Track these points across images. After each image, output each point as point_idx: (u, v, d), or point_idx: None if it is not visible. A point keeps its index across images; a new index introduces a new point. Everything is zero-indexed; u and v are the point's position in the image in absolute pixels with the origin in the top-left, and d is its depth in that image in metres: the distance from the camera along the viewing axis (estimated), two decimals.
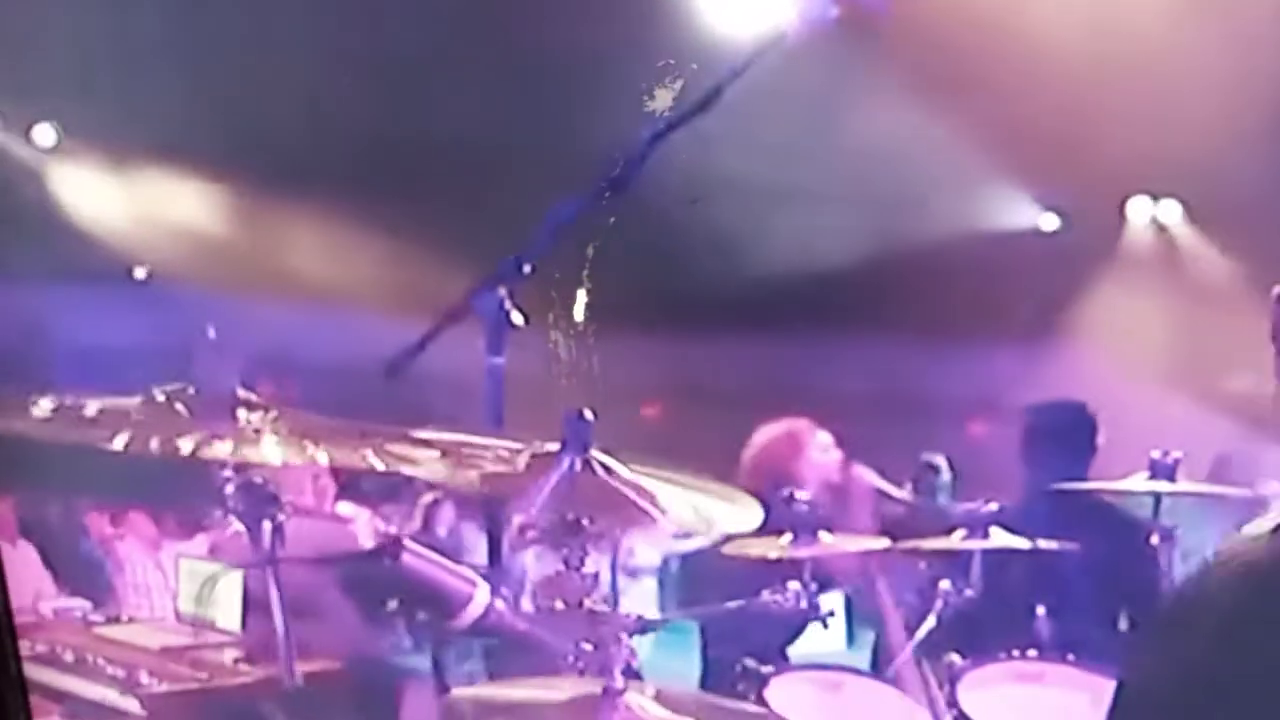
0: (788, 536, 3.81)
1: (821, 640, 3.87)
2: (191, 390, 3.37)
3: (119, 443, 3.17)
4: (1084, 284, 5.37)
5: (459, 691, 3.50)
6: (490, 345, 3.68)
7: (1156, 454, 3.95)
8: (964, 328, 5.17)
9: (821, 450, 4.50)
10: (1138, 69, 4.48)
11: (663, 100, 3.55)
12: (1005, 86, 4.51)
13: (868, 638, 4.19)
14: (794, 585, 3.71)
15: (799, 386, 5.02)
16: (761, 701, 3.67)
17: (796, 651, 3.99)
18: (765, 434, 4.53)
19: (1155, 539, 3.88)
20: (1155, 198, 5.40)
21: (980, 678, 3.74)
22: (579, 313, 3.79)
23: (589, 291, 3.68)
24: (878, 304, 5.10)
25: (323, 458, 3.33)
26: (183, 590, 4.18)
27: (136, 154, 5.08)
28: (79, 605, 4.69)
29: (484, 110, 4.59)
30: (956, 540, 3.90)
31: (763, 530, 3.80)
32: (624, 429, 4.29)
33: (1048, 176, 5.36)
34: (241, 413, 3.27)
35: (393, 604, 3.51)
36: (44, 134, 4.98)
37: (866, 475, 4.50)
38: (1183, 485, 3.95)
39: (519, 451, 3.61)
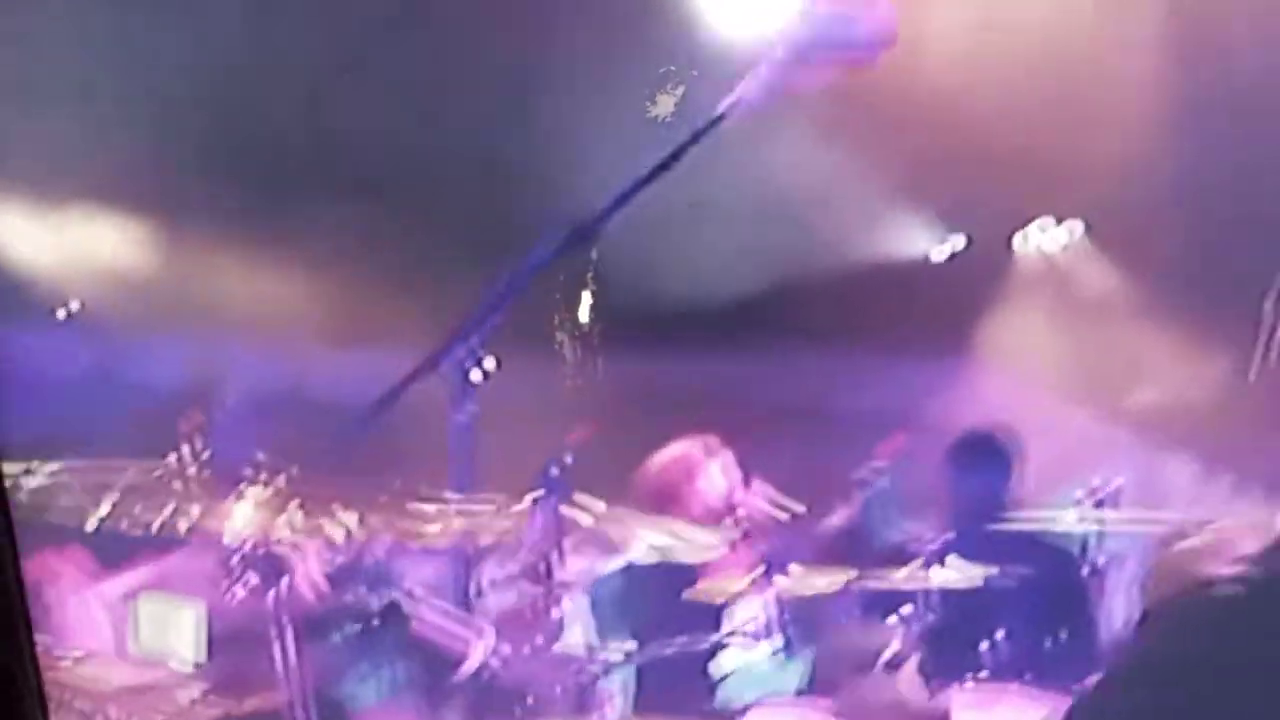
0: (759, 570, 3.95)
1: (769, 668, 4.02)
2: (205, 456, 3.41)
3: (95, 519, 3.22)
4: (988, 305, 5.62)
5: None
6: (454, 402, 3.75)
7: (1080, 492, 4.23)
8: (873, 348, 5.36)
9: (721, 469, 4.48)
10: (1033, 100, 4.70)
11: (664, 106, 3.64)
12: (904, 117, 4.68)
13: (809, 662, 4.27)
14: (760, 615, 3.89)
15: (710, 405, 5.14)
16: None
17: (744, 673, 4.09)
18: (664, 455, 4.52)
19: (1088, 567, 4.18)
20: (1057, 220, 5.69)
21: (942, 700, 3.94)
22: (584, 314, 3.88)
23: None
24: (788, 326, 5.26)
25: (338, 532, 3.39)
26: (142, 627, 4.16)
27: (62, 195, 4.98)
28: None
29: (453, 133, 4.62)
30: (916, 571, 4.07)
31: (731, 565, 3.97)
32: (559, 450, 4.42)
33: (949, 203, 5.59)
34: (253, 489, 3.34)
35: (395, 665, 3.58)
36: None
37: (763, 492, 4.56)
38: (1111, 516, 4.22)
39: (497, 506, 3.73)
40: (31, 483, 3.61)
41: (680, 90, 3.69)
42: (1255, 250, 4.57)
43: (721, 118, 3.69)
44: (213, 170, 4.74)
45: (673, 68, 3.97)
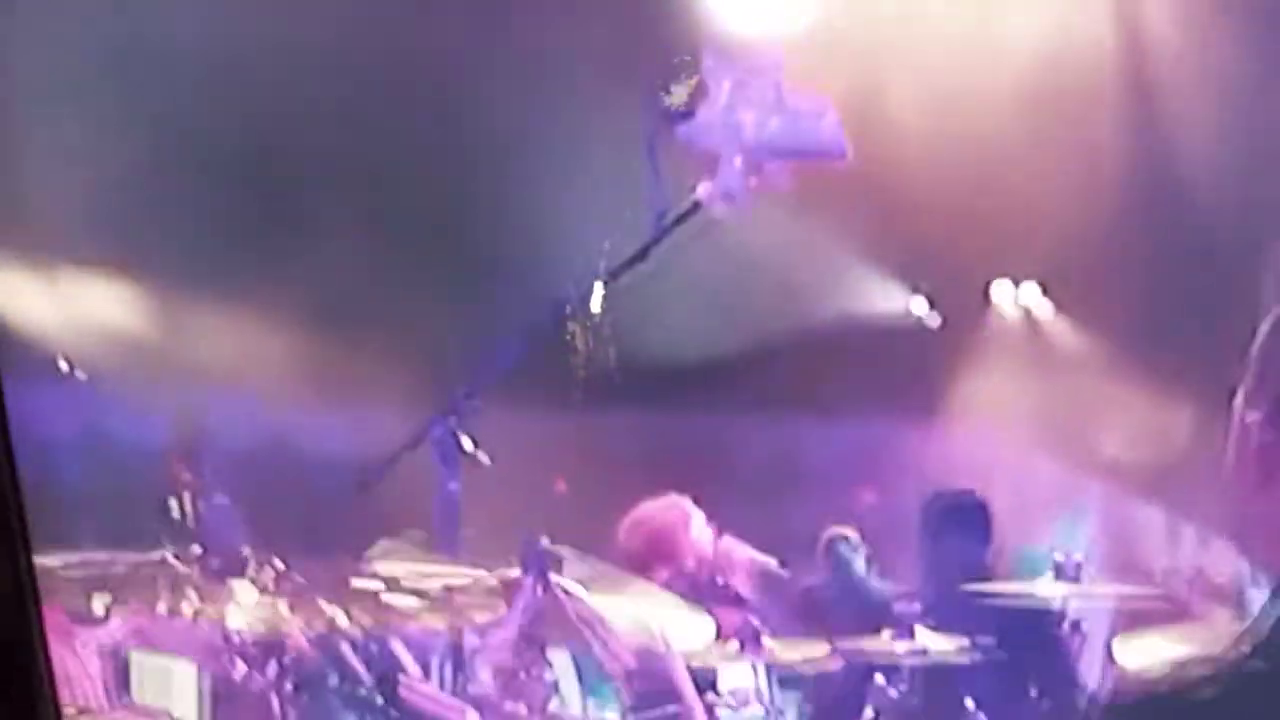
0: (735, 645, 4.02)
1: None
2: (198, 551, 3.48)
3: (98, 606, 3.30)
4: (955, 366, 5.71)
5: None
6: (444, 472, 3.83)
7: (1060, 556, 4.29)
8: (848, 407, 5.43)
9: (698, 528, 4.49)
10: (997, 165, 4.79)
11: (679, 96, 3.71)
12: (876, 185, 4.75)
13: None
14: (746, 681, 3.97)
15: (687, 464, 5.20)
16: None
17: None
18: (643, 512, 4.49)
19: (1065, 631, 4.25)
20: (1016, 281, 5.80)
21: None
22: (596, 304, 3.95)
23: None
24: (758, 387, 5.33)
25: (342, 618, 3.47)
26: (135, 680, 4.23)
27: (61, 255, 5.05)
28: None
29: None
30: (888, 641, 4.14)
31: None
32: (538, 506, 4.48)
33: (916, 266, 5.68)
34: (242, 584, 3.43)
35: None
36: None
37: (739, 550, 4.61)
38: (1088, 588, 4.29)
39: (482, 578, 3.80)
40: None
41: (694, 80, 3.77)
42: (1215, 309, 4.65)
43: (686, 216, 3.81)
44: (202, 228, 4.82)
45: (688, 58, 4.04)
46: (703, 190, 3.64)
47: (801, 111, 3.56)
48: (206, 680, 3.95)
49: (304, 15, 4.58)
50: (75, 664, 5.29)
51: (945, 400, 5.64)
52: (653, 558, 4.24)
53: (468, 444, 3.92)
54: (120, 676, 4.22)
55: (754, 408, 5.34)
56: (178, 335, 4.97)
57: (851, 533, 5.07)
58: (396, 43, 4.67)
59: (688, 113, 3.59)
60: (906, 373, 5.57)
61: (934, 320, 5.63)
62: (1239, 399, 1.70)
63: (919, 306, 5.56)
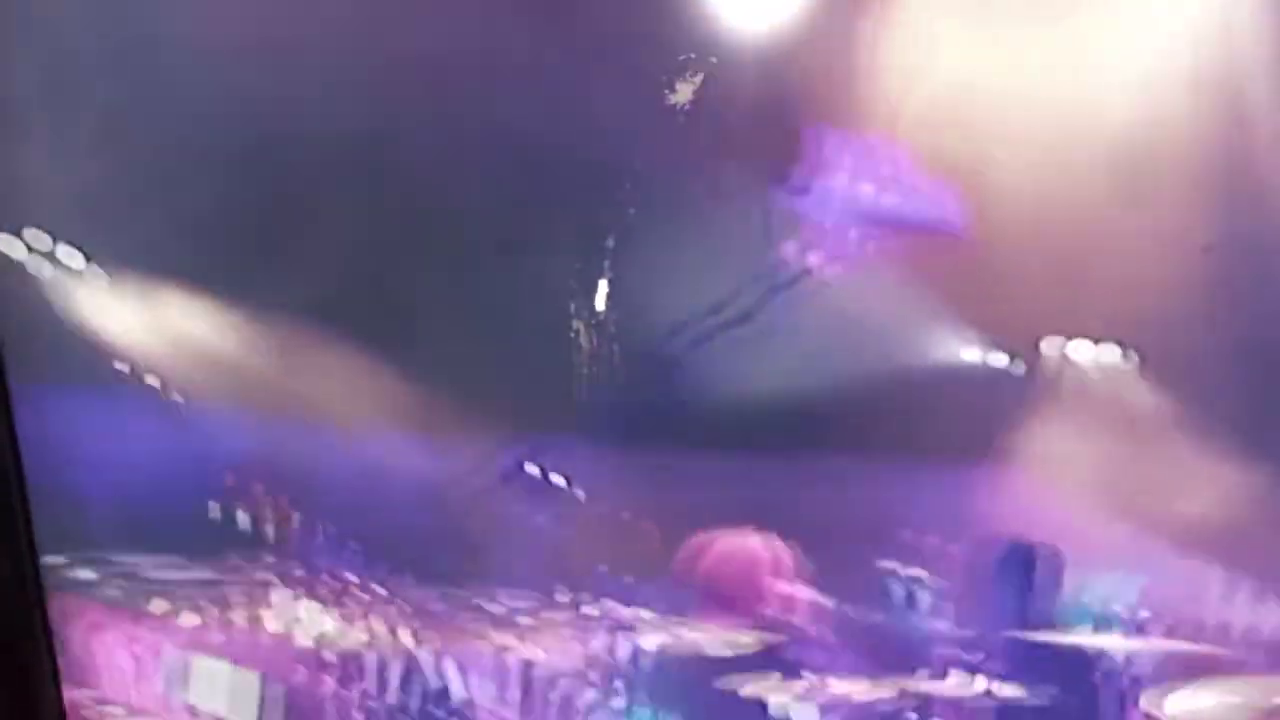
0: (803, 684, 4.13)
1: None
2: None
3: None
4: (1034, 418, 5.80)
5: None
6: (531, 505, 3.88)
7: (1124, 609, 4.41)
8: (925, 454, 5.51)
9: (775, 566, 4.57)
10: (1078, 229, 4.89)
11: (683, 94, 3.72)
12: (958, 244, 4.82)
13: None
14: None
15: (763, 504, 5.28)
16: None
17: None
18: (725, 545, 4.55)
19: (1123, 682, 4.39)
20: (1096, 341, 5.88)
21: None
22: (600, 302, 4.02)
23: None
24: (844, 431, 5.40)
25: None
26: (197, 686, 4.29)
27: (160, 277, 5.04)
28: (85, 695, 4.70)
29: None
30: (955, 682, 4.26)
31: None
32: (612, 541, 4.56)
33: (992, 319, 5.75)
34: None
35: None
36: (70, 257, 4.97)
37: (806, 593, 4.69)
38: (1153, 643, 4.42)
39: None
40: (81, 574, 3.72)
41: (699, 78, 3.78)
42: None
43: (794, 282, 3.84)
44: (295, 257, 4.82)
45: (693, 55, 4.06)
46: (814, 258, 3.69)
47: (921, 186, 3.60)
48: (272, 688, 4.03)
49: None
50: (133, 664, 5.34)
51: (1017, 453, 5.74)
52: (736, 592, 4.32)
53: (558, 479, 3.98)
54: (180, 679, 4.31)
55: (828, 452, 5.41)
56: (262, 358, 4.99)
57: (912, 570, 5.19)
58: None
59: (805, 187, 3.62)
60: (983, 422, 5.66)
61: (1017, 370, 5.73)
62: None
63: (1002, 360, 5.65)
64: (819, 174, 3.84)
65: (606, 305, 4.42)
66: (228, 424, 4.94)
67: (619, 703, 4.02)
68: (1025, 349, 5.90)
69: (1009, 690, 4.28)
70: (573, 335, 4.37)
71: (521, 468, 3.97)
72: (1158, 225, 5.04)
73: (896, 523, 5.73)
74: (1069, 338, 5.82)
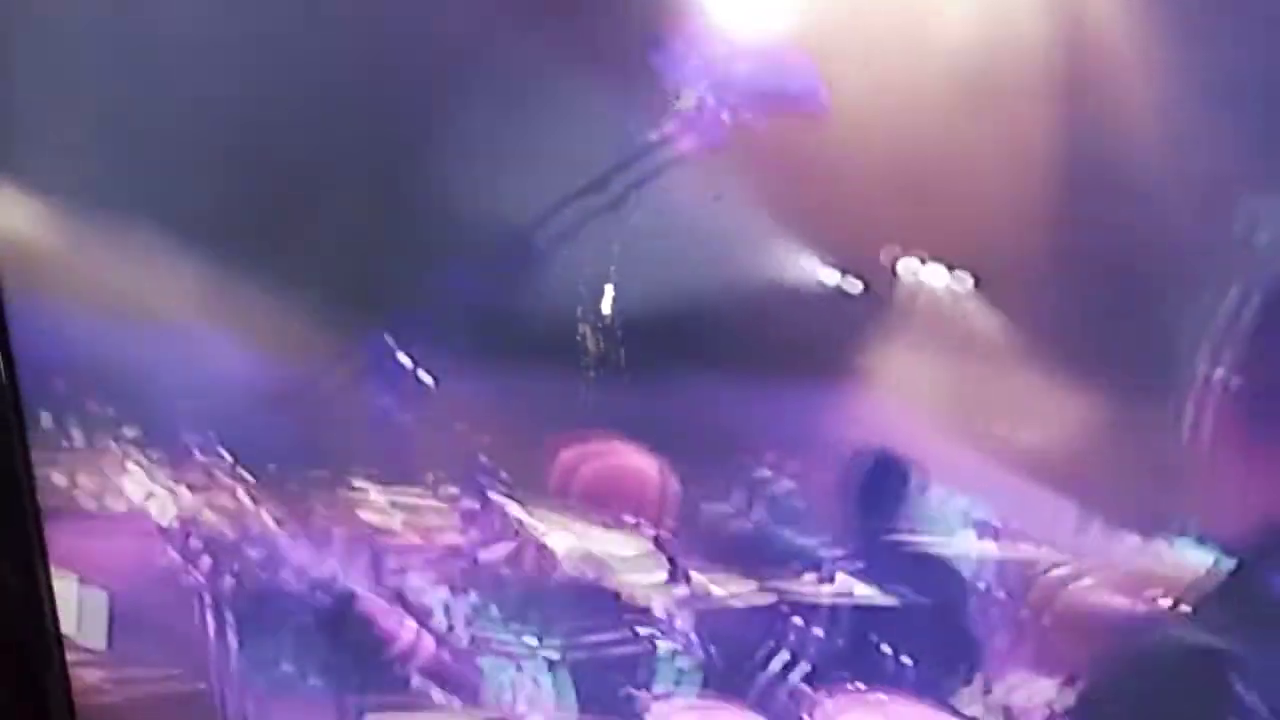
0: (663, 575, 4.10)
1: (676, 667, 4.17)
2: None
3: None
4: (877, 336, 5.86)
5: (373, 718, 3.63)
6: (380, 390, 3.81)
7: (981, 514, 4.48)
8: (775, 369, 5.53)
9: (647, 478, 4.56)
10: (924, 149, 4.97)
11: (687, 100, 3.75)
12: (806, 163, 4.88)
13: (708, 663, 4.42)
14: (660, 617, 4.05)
15: (625, 417, 5.26)
16: None
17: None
18: (592, 452, 4.53)
19: (980, 586, 4.43)
20: (938, 261, 5.98)
21: (831, 708, 4.13)
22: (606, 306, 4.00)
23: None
24: (700, 344, 5.39)
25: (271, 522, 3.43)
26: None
27: None
28: None
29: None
30: (811, 584, 4.26)
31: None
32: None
33: (849, 237, 5.81)
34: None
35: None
36: None
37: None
38: (1008, 547, 4.48)
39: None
40: None
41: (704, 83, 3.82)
42: (1132, 305, 4.91)
43: (653, 149, 3.83)
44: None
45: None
46: (674, 125, 3.68)
47: (785, 61, 3.64)
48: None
49: None
50: None
51: (869, 369, 5.79)
52: (603, 496, 4.29)
53: (405, 360, 3.89)
54: None
55: (682, 364, 5.40)
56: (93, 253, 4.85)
57: (775, 483, 5.19)
58: None
59: (663, 41, 3.60)
60: (823, 339, 5.70)
61: (853, 288, 5.79)
62: (1207, 359, 1.82)
63: (836, 277, 5.70)
64: (692, 45, 3.86)
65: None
66: (60, 326, 4.77)
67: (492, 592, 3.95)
68: (873, 267, 6.00)
69: (866, 589, 4.28)
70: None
71: (392, 360, 3.87)
72: (998, 141, 5.13)
73: (758, 437, 5.75)
74: (916, 257, 5.95)
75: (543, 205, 4.14)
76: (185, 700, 3.89)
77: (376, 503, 3.79)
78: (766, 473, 4.92)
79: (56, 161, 4.84)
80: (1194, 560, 5.79)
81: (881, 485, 4.85)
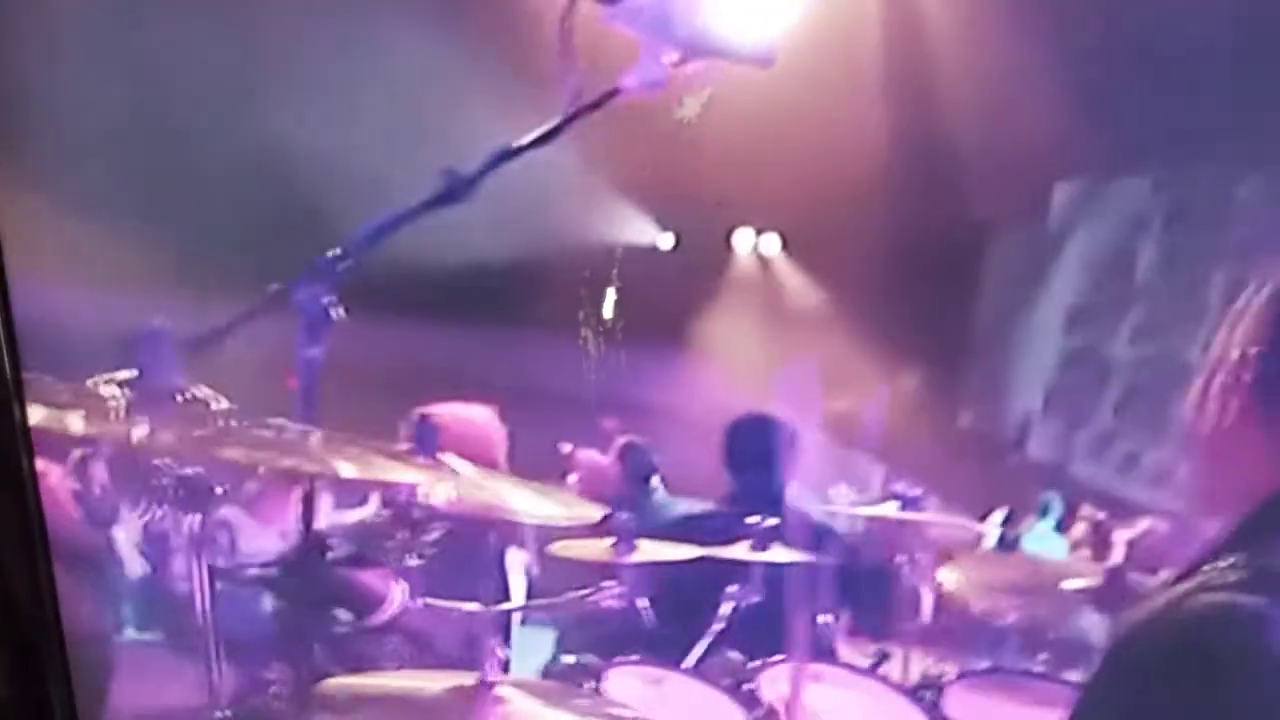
0: (610, 540, 3.99)
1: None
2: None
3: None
4: (698, 301, 5.96)
5: (333, 681, 3.42)
6: (307, 338, 3.61)
7: (901, 486, 4.55)
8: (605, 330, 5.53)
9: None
10: (746, 120, 5.06)
11: (690, 108, 3.69)
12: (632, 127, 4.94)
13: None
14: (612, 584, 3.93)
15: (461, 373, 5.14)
16: (601, 691, 3.82)
17: None
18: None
19: (898, 558, 4.49)
20: (758, 231, 6.13)
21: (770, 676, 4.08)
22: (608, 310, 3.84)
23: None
24: (524, 300, 5.34)
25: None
26: None
27: None
28: None
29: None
30: (744, 551, 4.22)
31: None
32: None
33: (668, 203, 5.89)
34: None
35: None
36: None
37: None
38: (925, 515, 4.57)
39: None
40: None
41: (706, 92, 3.76)
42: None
43: (600, 102, 3.75)
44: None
45: None
46: (625, 78, 3.62)
47: (735, 15, 3.63)
48: None
49: None
50: None
51: (694, 334, 5.83)
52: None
53: (337, 313, 3.67)
54: None
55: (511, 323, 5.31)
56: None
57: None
58: None
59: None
60: (659, 303, 5.71)
61: (680, 256, 5.82)
62: (1213, 347, 1.91)
63: (668, 242, 5.75)
64: None
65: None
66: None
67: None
68: (709, 236, 6.09)
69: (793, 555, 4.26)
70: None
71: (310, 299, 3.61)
72: (828, 121, 5.27)
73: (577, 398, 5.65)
74: (751, 229, 6.04)
75: None
76: None
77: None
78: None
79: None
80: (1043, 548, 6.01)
81: (763, 448, 4.87)
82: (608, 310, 4.13)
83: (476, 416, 4.48)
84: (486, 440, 4.45)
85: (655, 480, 5.41)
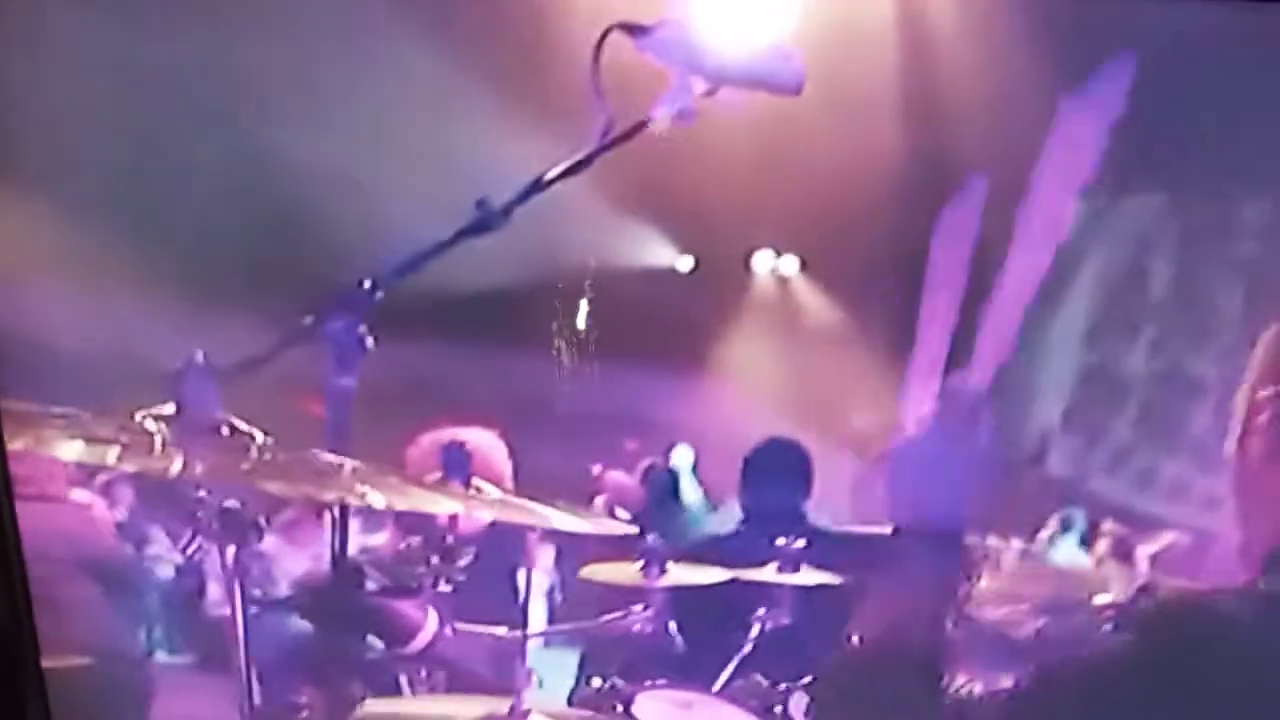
0: (640, 564, 4.03)
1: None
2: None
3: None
4: (719, 324, 5.99)
5: (372, 704, 3.45)
6: (338, 368, 3.66)
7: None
8: (620, 352, 5.53)
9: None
10: (766, 142, 5.08)
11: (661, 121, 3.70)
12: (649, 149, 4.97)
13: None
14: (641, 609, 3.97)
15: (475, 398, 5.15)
16: (630, 716, 3.85)
17: None
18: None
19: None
20: (777, 253, 6.17)
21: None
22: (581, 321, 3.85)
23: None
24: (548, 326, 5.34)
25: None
26: None
27: None
28: None
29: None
30: (773, 573, 4.25)
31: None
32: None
33: (686, 226, 5.92)
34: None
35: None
36: None
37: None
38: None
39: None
40: None
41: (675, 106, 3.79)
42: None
43: (631, 133, 3.80)
44: None
45: None
46: (655, 109, 3.66)
47: (764, 45, 3.68)
48: None
49: None
50: None
51: (714, 356, 5.85)
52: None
53: (370, 342, 3.73)
54: None
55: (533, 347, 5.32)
56: None
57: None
58: None
59: (646, 28, 3.60)
60: (671, 327, 5.73)
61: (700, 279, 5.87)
62: (1252, 377, 1.90)
63: (686, 264, 5.80)
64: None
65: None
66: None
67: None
68: (728, 258, 6.13)
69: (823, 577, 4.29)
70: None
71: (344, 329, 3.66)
72: (842, 142, 5.29)
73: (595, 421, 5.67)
74: (770, 250, 6.09)
75: None
76: None
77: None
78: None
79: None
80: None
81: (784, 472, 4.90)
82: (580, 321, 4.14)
83: (482, 441, 4.51)
84: (494, 463, 4.50)
85: (688, 485, 5.45)
